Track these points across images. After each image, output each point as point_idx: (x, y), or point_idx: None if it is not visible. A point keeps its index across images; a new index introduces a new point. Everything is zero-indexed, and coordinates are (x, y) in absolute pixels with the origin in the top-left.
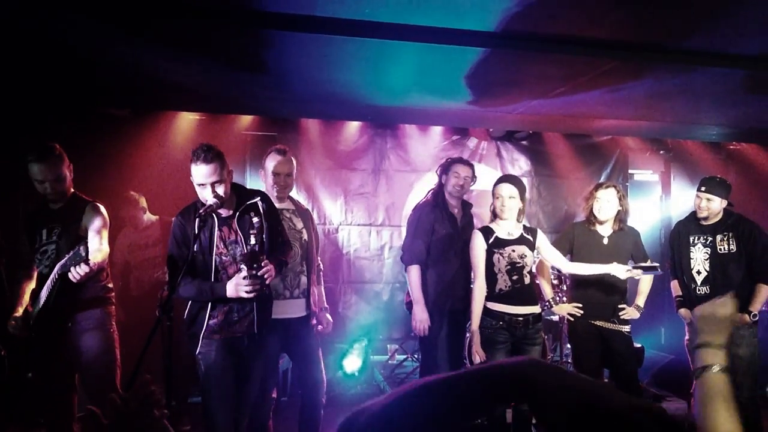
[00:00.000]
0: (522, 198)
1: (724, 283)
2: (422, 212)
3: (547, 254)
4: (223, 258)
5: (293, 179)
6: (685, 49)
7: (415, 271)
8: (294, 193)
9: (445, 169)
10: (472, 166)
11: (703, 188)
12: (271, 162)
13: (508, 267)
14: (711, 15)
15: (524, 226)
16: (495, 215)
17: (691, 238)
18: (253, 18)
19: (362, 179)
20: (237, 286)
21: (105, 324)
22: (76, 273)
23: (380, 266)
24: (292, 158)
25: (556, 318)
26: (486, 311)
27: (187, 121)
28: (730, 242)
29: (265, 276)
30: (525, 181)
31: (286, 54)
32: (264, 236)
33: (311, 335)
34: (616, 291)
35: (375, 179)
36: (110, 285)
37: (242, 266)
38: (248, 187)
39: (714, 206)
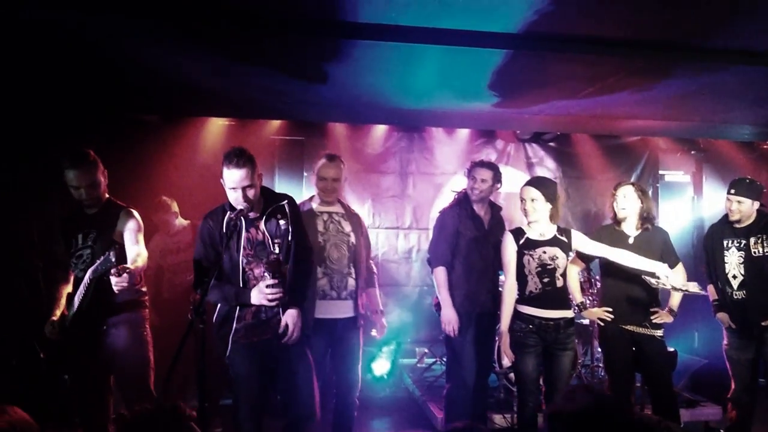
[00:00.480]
0: (549, 200)
1: (761, 287)
2: (447, 215)
3: (588, 248)
4: (250, 259)
5: (341, 184)
6: (712, 47)
7: (440, 272)
8: None
9: (468, 172)
10: (494, 169)
11: (732, 191)
12: (319, 167)
13: (539, 269)
14: (736, 12)
15: (558, 227)
16: None
17: (725, 242)
18: (282, 24)
19: (389, 182)
20: (260, 294)
21: (139, 327)
22: (120, 284)
23: (408, 269)
24: (342, 164)
25: (586, 322)
26: (516, 314)
27: (216, 126)
28: (765, 244)
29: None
30: None
31: (313, 59)
32: (289, 239)
33: (355, 337)
34: (648, 294)
35: (402, 182)
36: (144, 289)
37: (266, 274)
38: (277, 191)
39: (745, 209)
